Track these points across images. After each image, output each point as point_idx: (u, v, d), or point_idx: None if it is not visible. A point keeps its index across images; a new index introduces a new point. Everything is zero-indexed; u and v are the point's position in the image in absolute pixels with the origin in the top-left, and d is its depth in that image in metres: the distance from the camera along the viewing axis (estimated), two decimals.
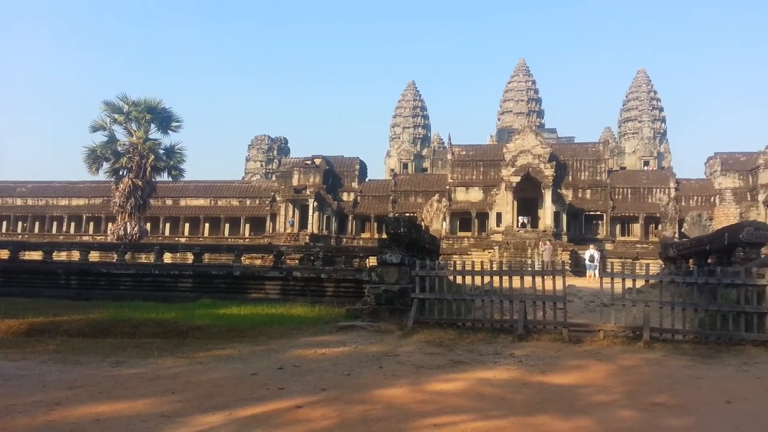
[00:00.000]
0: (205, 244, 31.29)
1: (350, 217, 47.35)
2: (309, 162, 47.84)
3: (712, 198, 42.53)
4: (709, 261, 12.44)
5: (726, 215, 35.37)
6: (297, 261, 22.47)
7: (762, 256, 10.59)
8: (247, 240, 47.92)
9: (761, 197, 39.98)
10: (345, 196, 48.52)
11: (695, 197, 43.17)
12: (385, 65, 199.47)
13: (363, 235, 46.83)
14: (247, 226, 49.75)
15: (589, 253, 26.50)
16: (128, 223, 31.64)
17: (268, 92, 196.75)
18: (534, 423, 5.05)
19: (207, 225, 50.03)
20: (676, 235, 33.25)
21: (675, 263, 15.56)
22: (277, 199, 47.15)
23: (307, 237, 43.37)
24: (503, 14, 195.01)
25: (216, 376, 6.92)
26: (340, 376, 6.99)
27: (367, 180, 50.93)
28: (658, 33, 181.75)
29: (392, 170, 58.05)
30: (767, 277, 9.26)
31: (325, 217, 46.51)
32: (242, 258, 19.55)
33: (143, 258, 26.00)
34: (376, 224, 45.63)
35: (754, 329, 9.05)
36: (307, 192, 45.74)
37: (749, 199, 41.17)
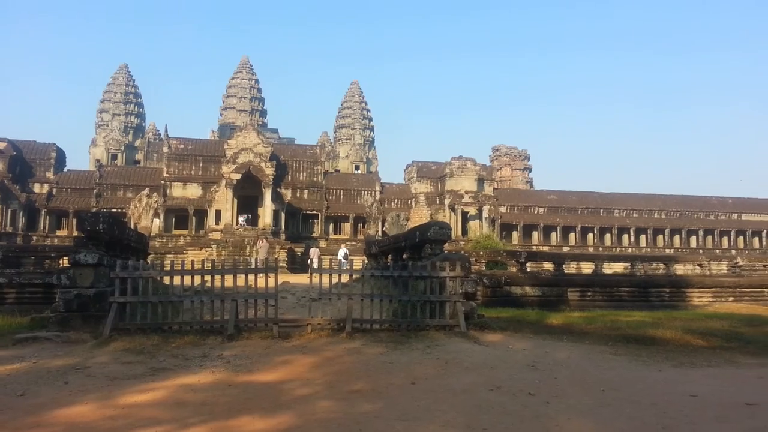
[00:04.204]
0: None
1: (43, 212, 41.22)
2: None
3: (410, 201, 48.17)
4: (404, 256, 13.86)
5: (420, 216, 40.37)
6: None
7: (445, 251, 12.21)
8: None
9: (447, 201, 46.68)
10: (37, 188, 42.12)
11: (396, 200, 48.40)
12: (94, 45, 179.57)
13: (59, 233, 41.23)
14: None
15: (343, 251, 30.01)
16: None
17: None
18: (234, 425, 4.90)
19: None
20: (379, 233, 36.76)
21: (377, 259, 17.05)
22: None
23: None
24: (226, 10, 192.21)
25: None
26: (12, 397, 5.92)
27: (66, 170, 44.98)
28: (368, 48, 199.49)
29: (98, 161, 52.29)
30: (447, 270, 10.70)
31: (9, 211, 39.64)
32: None
33: None
34: (75, 220, 40.52)
35: (436, 315, 10.36)
36: None
37: (438, 202, 47.72)
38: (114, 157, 60.10)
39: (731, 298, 18.59)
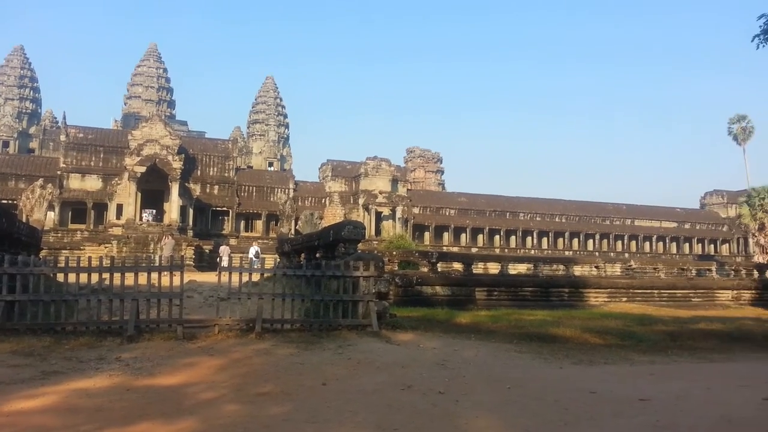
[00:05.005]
0: None
1: None
2: None
3: (324, 199, 47.90)
4: (317, 255, 13.71)
5: (334, 215, 40.25)
6: None
7: (358, 251, 12.17)
8: None
9: (361, 200, 46.80)
10: None
11: (310, 198, 47.96)
12: None
13: None
14: None
15: (254, 249, 30.39)
16: None
17: None
18: None
19: None
20: (292, 231, 36.26)
21: (289, 257, 16.77)
22: None
23: None
24: None
25: None
26: None
27: None
28: (285, 44, 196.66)
29: None
30: (361, 269, 10.68)
31: None
32: None
33: None
34: None
35: (349, 315, 10.31)
36: None
37: (352, 201, 47.75)
38: (6, 144, 55.73)
39: (625, 299, 19.81)
